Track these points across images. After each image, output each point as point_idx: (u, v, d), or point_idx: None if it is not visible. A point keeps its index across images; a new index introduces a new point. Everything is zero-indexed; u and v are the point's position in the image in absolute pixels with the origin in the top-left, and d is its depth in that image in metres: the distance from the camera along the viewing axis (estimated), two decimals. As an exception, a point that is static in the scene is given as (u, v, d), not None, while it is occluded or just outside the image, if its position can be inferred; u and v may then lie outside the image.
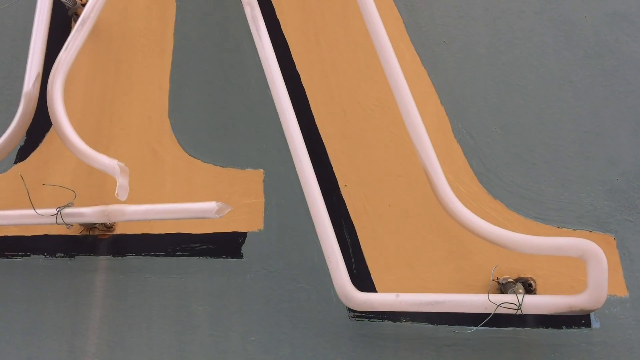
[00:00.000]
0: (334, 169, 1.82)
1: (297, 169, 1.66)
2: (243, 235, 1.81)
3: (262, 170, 1.87)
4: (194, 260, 1.82)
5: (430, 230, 1.71)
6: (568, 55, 1.79)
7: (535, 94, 1.77)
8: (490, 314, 1.44)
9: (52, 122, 1.71)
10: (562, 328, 1.57)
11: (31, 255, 1.91)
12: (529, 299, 1.44)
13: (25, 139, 2.02)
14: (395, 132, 1.82)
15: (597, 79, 1.75)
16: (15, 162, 2.02)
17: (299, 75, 1.94)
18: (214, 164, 1.90)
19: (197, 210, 1.59)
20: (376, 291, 1.70)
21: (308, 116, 1.89)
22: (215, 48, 2.02)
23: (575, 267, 1.59)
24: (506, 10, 1.87)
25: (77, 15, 2.11)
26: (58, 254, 1.90)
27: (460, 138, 1.78)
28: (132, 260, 1.85)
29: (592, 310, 1.40)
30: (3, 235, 1.95)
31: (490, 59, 1.84)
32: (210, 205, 1.57)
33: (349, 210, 1.78)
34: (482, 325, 1.49)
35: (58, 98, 1.72)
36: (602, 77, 1.75)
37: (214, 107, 1.97)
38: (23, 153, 2.02)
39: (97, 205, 1.70)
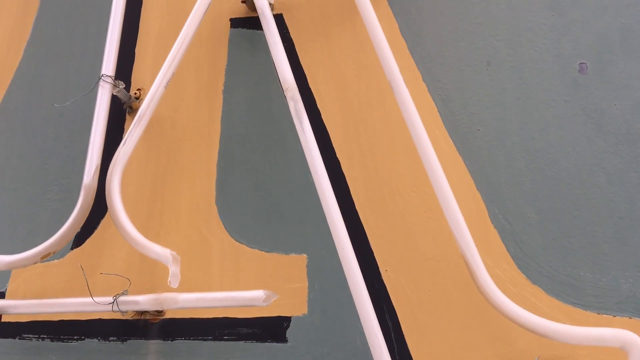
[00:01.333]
0: (375, 254, 1.89)
1: (339, 254, 1.73)
2: (287, 319, 1.87)
3: (305, 255, 1.94)
4: (241, 344, 1.88)
5: (471, 316, 1.75)
6: (600, 142, 1.86)
7: (569, 180, 1.83)
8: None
9: (111, 215, 1.83)
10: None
11: (85, 339, 2.00)
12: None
13: (82, 226, 2.14)
14: (434, 218, 1.88)
15: (630, 165, 1.81)
16: (72, 248, 2.14)
17: (339, 162, 2.04)
18: (259, 249, 1.99)
19: (246, 298, 1.66)
20: (419, 376, 1.73)
21: (349, 202, 1.97)
22: (260, 137, 2.15)
23: (618, 354, 1.61)
24: (537, 99, 1.96)
25: (131, 108, 2.26)
26: (111, 338, 1.98)
27: (497, 223, 1.83)
28: (181, 344, 1.91)
29: (636, 401, 1.41)
30: (59, 319, 2.05)
31: (523, 145, 1.91)
32: (258, 294, 1.64)
33: (390, 295, 1.83)
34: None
35: (116, 191, 1.84)
36: (634, 163, 1.81)
37: (259, 194, 2.07)
38: (79, 239, 2.14)
39: (148, 291, 1.79)
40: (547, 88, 1.96)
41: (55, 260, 2.13)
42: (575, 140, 1.87)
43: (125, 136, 1.93)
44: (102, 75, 2.09)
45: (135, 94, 2.29)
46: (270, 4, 2.20)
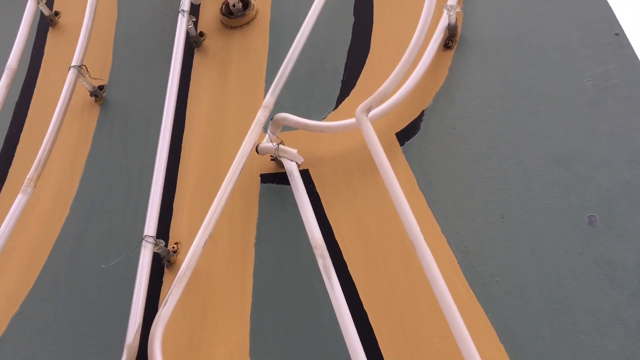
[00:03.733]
0: (405, 408, 1.95)
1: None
2: None
3: (337, 408, 2.01)
4: None
5: None
6: (614, 294, 1.95)
7: (587, 332, 1.91)
8: None
9: (152, 375, 1.94)
10: None
11: None
12: None
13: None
14: (460, 371, 1.95)
15: (646, 317, 1.89)
16: (112, 403, 2.23)
17: (366, 315, 2.14)
18: (292, 403, 2.06)
19: None
20: None
21: (377, 354, 2.06)
22: (290, 289, 2.27)
23: None
24: (551, 251, 2.08)
25: (169, 262, 2.42)
26: None
27: (522, 377, 1.90)
28: None
29: None
30: None
31: (541, 297, 2.01)
32: None
33: None
34: None
35: (157, 351, 1.96)
36: (650, 315, 1.89)
37: (290, 345, 2.17)
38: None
39: None
40: (559, 240, 2.09)
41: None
42: (591, 292, 1.97)
43: (166, 297, 2.07)
44: (145, 237, 2.26)
45: (173, 247, 2.46)
46: (297, 164, 2.41)
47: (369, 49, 2.81)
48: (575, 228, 2.09)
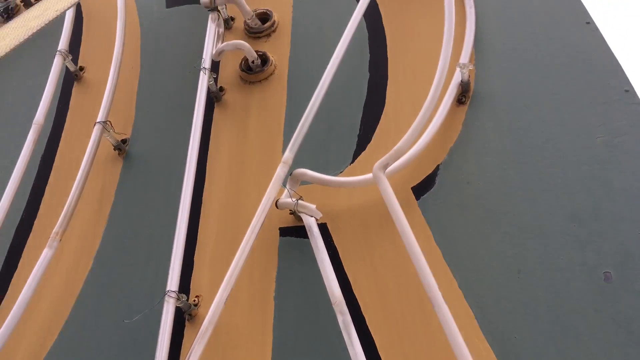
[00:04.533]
0: None
1: None
2: None
3: None
4: None
5: None
6: (632, 352, 1.97)
7: (607, 391, 1.93)
8: None
9: None
10: None
11: None
12: None
13: None
14: None
15: (665, 376, 1.90)
16: None
17: (385, 371, 2.17)
18: None
19: None
20: None
21: (397, 411, 2.08)
22: (310, 344, 2.31)
23: None
24: (568, 308, 2.10)
25: (190, 315, 2.46)
26: None
27: None
28: None
29: None
30: None
31: (560, 355, 2.03)
32: None
33: None
34: None
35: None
36: (668, 374, 1.90)
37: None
38: None
39: None
40: (576, 297, 2.12)
41: None
42: (609, 350, 1.99)
43: (188, 354, 2.11)
44: (168, 291, 2.31)
45: (194, 301, 2.51)
46: (316, 219, 2.46)
47: (384, 104, 2.89)
48: (591, 284, 2.12)
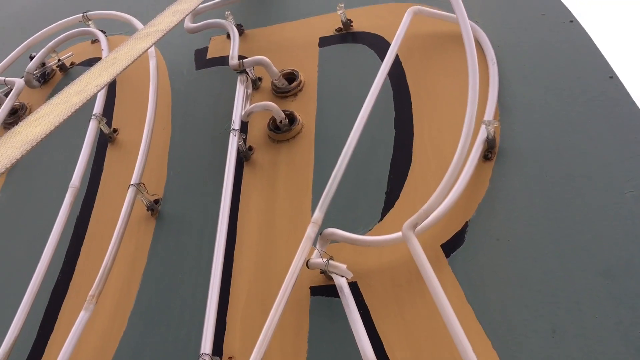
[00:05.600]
0: None
1: None
2: None
3: None
4: None
5: None
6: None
7: None
8: None
9: None
10: None
11: None
12: None
13: None
14: None
15: None
16: None
17: None
18: None
19: None
20: None
21: None
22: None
23: None
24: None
25: (220, 373, 2.48)
26: None
27: None
28: None
29: None
30: None
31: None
32: None
33: None
34: None
35: None
36: None
37: None
38: None
39: None
40: (613, 357, 2.09)
41: None
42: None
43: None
44: (202, 354, 2.33)
45: (227, 363, 2.52)
46: (347, 279, 2.49)
47: (410, 161, 2.94)
48: (627, 345, 2.09)
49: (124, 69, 2.21)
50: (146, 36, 2.54)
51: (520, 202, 2.58)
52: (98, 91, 2.07)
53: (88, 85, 2.08)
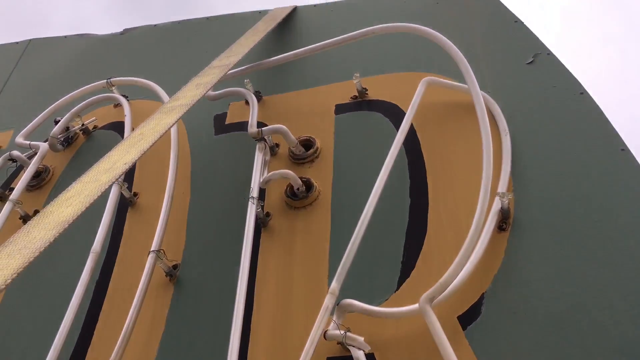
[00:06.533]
0: None
1: None
2: None
3: None
4: None
5: None
6: None
7: None
8: None
9: None
10: None
11: None
12: None
13: None
14: None
15: None
16: None
17: None
18: None
19: None
20: None
21: None
22: None
23: None
24: None
25: None
26: None
27: None
28: None
29: None
30: None
31: None
32: None
33: None
34: None
35: None
36: None
37: None
38: None
39: None
40: None
41: None
42: None
43: None
44: None
45: None
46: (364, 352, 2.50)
47: (426, 230, 2.98)
48: None
49: (152, 146, 2.30)
50: (171, 110, 2.64)
51: (537, 274, 2.61)
52: (126, 169, 2.15)
53: (117, 163, 2.16)
